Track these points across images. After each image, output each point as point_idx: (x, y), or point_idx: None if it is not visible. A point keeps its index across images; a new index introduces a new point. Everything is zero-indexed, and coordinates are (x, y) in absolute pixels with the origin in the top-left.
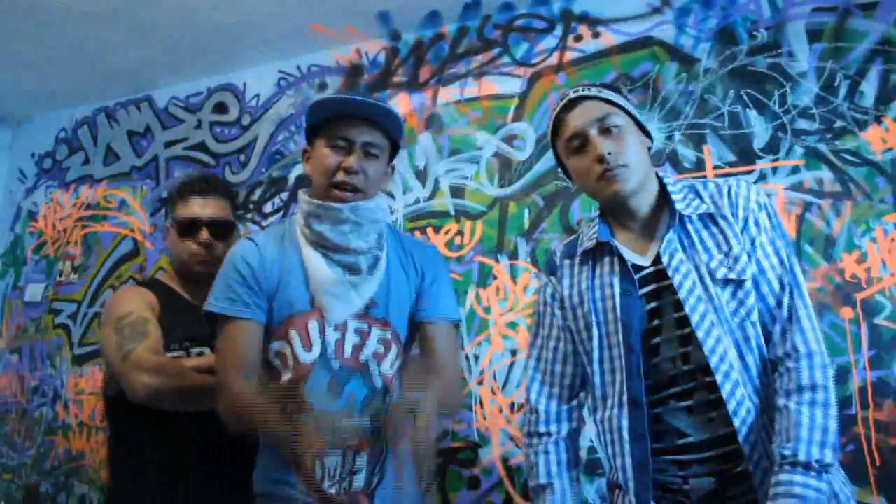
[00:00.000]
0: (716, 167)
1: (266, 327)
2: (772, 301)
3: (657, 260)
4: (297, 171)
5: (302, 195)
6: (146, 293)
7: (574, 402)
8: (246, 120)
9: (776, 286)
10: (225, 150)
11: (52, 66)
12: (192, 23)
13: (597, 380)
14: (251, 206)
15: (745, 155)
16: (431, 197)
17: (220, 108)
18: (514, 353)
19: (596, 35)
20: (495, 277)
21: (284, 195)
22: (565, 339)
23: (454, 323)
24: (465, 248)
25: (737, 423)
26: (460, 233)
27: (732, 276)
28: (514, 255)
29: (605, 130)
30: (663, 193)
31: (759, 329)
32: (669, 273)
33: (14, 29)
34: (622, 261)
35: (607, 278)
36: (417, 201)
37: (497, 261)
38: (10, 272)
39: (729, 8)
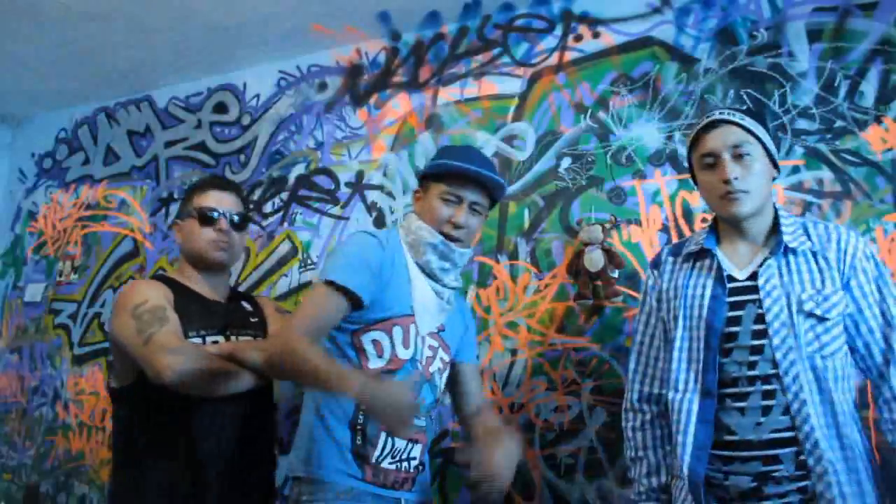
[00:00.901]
0: None
1: (368, 318)
2: (868, 338)
3: (752, 276)
4: (297, 171)
5: (420, 222)
6: (159, 284)
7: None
8: (246, 120)
9: (874, 325)
10: (225, 150)
11: (52, 66)
12: (192, 23)
13: (674, 366)
14: (251, 206)
15: None
16: None
17: (220, 108)
18: (514, 353)
19: (596, 35)
20: (495, 277)
21: (284, 195)
22: (661, 328)
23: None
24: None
25: (800, 434)
26: None
27: (818, 311)
28: (514, 255)
29: (738, 157)
30: (775, 224)
31: (835, 366)
32: (762, 294)
33: (14, 29)
34: (720, 268)
35: (703, 279)
36: None
37: (497, 261)
38: (10, 272)
39: (729, 8)
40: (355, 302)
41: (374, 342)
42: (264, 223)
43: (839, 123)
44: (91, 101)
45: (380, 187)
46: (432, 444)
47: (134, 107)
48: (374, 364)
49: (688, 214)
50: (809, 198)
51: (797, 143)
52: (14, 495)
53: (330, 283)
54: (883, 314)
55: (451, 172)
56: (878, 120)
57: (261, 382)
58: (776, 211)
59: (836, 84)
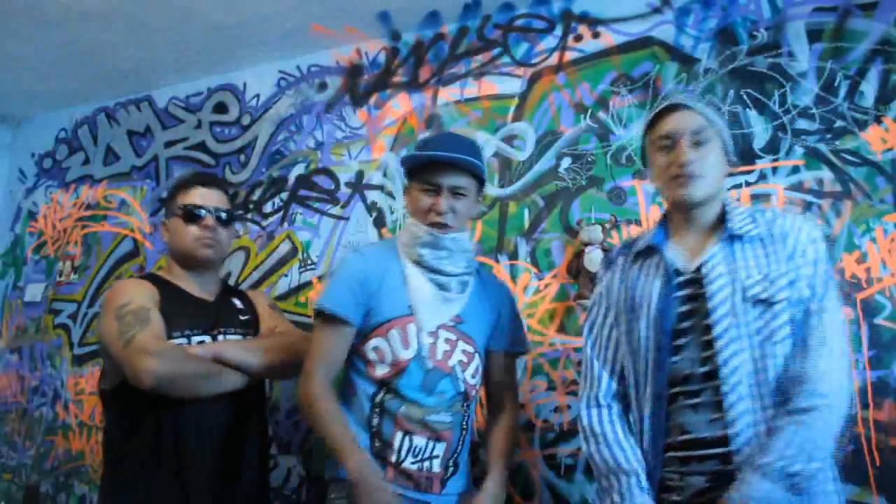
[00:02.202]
0: None
1: (366, 328)
2: (797, 327)
3: (700, 269)
4: (297, 171)
5: (411, 220)
6: (146, 284)
7: (622, 386)
8: (246, 120)
9: (803, 313)
10: (225, 150)
11: (52, 66)
12: (192, 23)
13: (628, 370)
14: (251, 206)
15: (745, 155)
16: None
17: (220, 108)
18: None
19: (596, 35)
20: None
21: (284, 195)
22: (615, 328)
23: (520, 353)
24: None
25: (731, 431)
26: None
27: (763, 296)
28: (514, 255)
29: (696, 143)
30: (723, 215)
31: (783, 352)
32: (705, 283)
33: (14, 29)
34: (667, 265)
35: (651, 278)
36: None
37: (497, 261)
38: (10, 272)
39: (729, 8)
40: (349, 320)
41: (376, 349)
42: (264, 223)
43: (839, 123)
44: (91, 101)
45: (380, 187)
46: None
47: (134, 107)
48: (380, 370)
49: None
50: (809, 198)
51: (797, 143)
52: (14, 495)
53: (321, 314)
54: (811, 287)
55: (423, 163)
56: (878, 120)
57: (248, 382)
58: (725, 203)
59: (836, 84)
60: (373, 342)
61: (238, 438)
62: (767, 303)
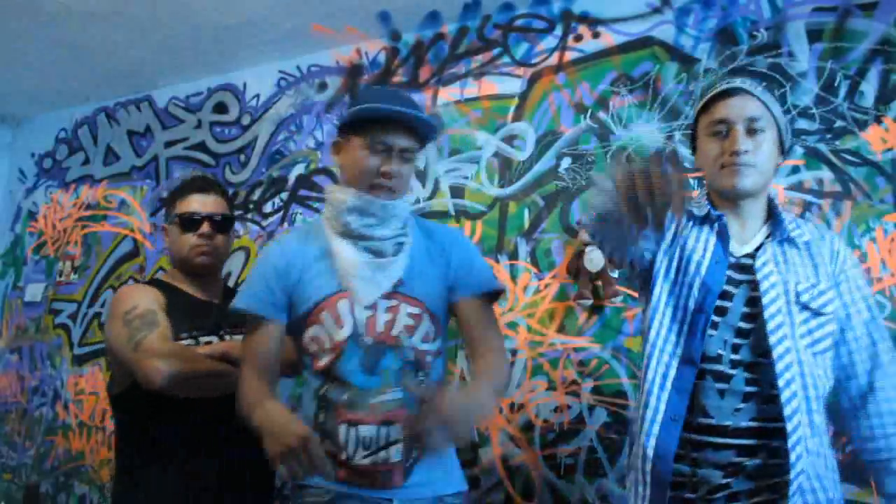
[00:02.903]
0: None
1: (298, 319)
2: (853, 347)
3: (748, 256)
4: (297, 170)
5: (334, 187)
6: (151, 289)
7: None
8: (246, 120)
9: (860, 333)
10: (225, 150)
11: (52, 66)
12: (192, 23)
13: (654, 324)
14: (251, 206)
15: None
16: (431, 197)
17: (220, 108)
18: (514, 353)
19: (596, 35)
20: None
21: (284, 195)
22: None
23: (488, 294)
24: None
25: (788, 426)
26: None
27: (813, 305)
28: (514, 255)
29: (751, 131)
30: (769, 212)
31: (824, 364)
32: (759, 277)
33: (14, 29)
34: (724, 235)
35: (704, 241)
36: (417, 201)
37: (497, 261)
38: (10, 272)
39: (729, 8)
40: (269, 316)
41: (314, 339)
42: (264, 223)
43: (839, 123)
44: (91, 101)
45: None
46: None
47: (134, 107)
48: (323, 360)
49: None
50: (809, 198)
51: (797, 143)
52: (14, 495)
53: (251, 317)
54: (868, 331)
55: (377, 117)
56: (878, 120)
57: None
58: (771, 200)
59: (836, 84)
60: (309, 332)
61: (247, 440)
62: (815, 311)
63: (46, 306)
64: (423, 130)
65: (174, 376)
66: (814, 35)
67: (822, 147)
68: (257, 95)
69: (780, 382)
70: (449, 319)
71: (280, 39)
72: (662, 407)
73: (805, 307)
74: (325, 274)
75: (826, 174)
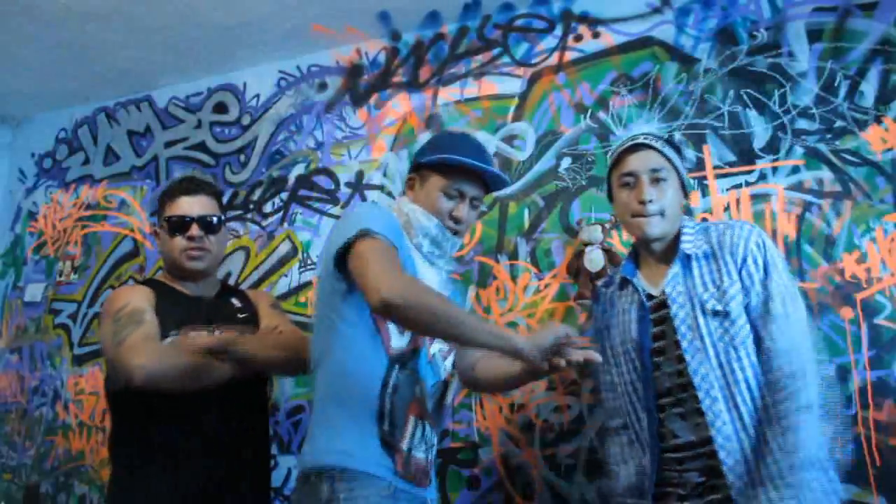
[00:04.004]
0: (716, 167)
1: None
2: (759, 327)
3: (664, 292)
4: (297, 170)
5: (418, 209)
6: (143, 288)
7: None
8: (246, 120)
9: (763, 313)
10: (225, 150)
11: (52, 66)
12: (192, 23)
13: (620, 389)
14: (251, 206)
15: (745, 155)
16: None
17: (220, 108)
18: None
19: (596, 35)
20: (495, 277)
21: (284, 195)
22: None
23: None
24: (465, 248)
25: (712, 431)
26: None
27: (719, 307)
28: (514, 255)
29: (655, 180)
30: (678, 235)
31: (747, 352)
32: (669, 303)
33: (14, 29)
34: (638, 292)
35: (627, 305)
36: None
37: (497, 261)
38: (10, 272)
39: (729, 8)
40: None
41: (400, 330)
42: (264, 223)
43: (839, 123)
44: (91, 101)
45: (380, 187)
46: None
47: (134, 107)
48: (397, 342)
49: (688, 214)
50: (809, 198)
51: (797, 143)
52: (14, 495)
53: (367, 235)
54: (764, 287)
55: (456, 167)
56: (878, 120)
57: (242, 374)
58: (681, 227)
59: (836, 84)
60: None
61: (241, 441)
62: (724, 313)
63: (46, 306)
64: (494, 183)
65: (153, 372)
66: (814, 35)
67: (822, 147)
68: (257, 95)
69: (700, 394)
70: None
71: (280, 39)
72: (648, 456)
73: (715, 313)
74: (412, 269)
75: (826, 174)
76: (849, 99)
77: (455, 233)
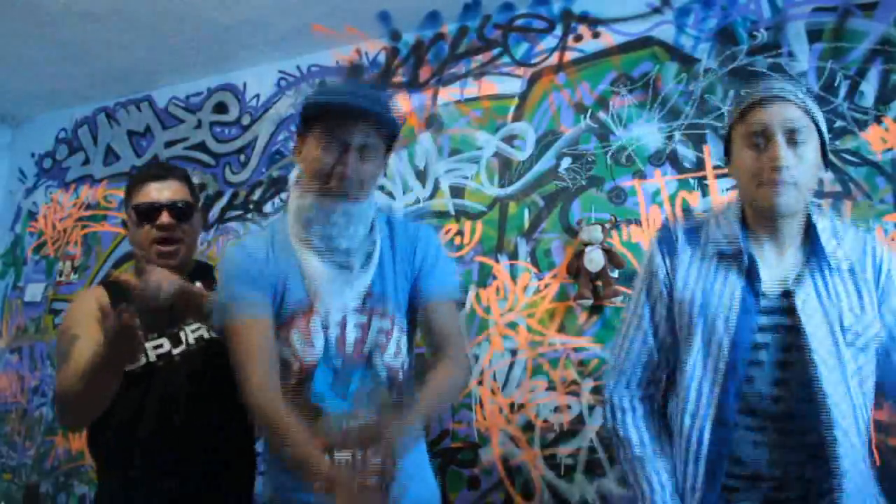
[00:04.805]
0: (716, 167)
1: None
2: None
3: (785, 293)
4: (297, 170)
5: (295, 191)
6: (92, 296)
7: (651, 389)
8: (246, 120)
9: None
10: (225, 150)
11: (52, 66)
12: (192, 23)
13: (687, 383)
14: (251, 206)
15: None
16: (431, 197)
17: (220, 108)
18: (514, 353)
19: (596, 35)
20: (495, 277)
21: (284, 195)
22: (662, 328)
23: (453, 300)
24: (465, 248)
25: (842, 482)
26: (460, 233)
27: (860, 342)
28: (514, 255)
29: (793, 142)
30: (807, 226)
31: (865, 389)
32: (802, 318)
33: (14, 29)
34: (756, 278)
35: (730, 287)
36: (417, 201)
37: (497, 261)
38: (10, 272)
39: (729, 8)
40: (265, 317)
41: (283, 362)
42: (264, 223)
43: (839, 123)
44: (91, 101)
45: (380, 187)
46: (430, 445)
47: (134, 107)
48: (292, 382)
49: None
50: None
51: None
52: (14, 495)
53: (234, 323)
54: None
55: (331, 110)
56: (878, 120)
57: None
58: (809, 218)
59: (836, 84)
60: (282, 352)
61: (216, 446)
62: (863, 347)
63: (46, 306)
64: (385, 127)
65: (72, 423)
66: (814, 35)
67: None
68: (257, 95)
69: (837, 433)
70: (416, 327)
71: (280, 39)
72: (702, 471)
73: (853, 345)
74: (296, 288)
75: (826, 174)
76: (849, 99)
77: (346, 192)
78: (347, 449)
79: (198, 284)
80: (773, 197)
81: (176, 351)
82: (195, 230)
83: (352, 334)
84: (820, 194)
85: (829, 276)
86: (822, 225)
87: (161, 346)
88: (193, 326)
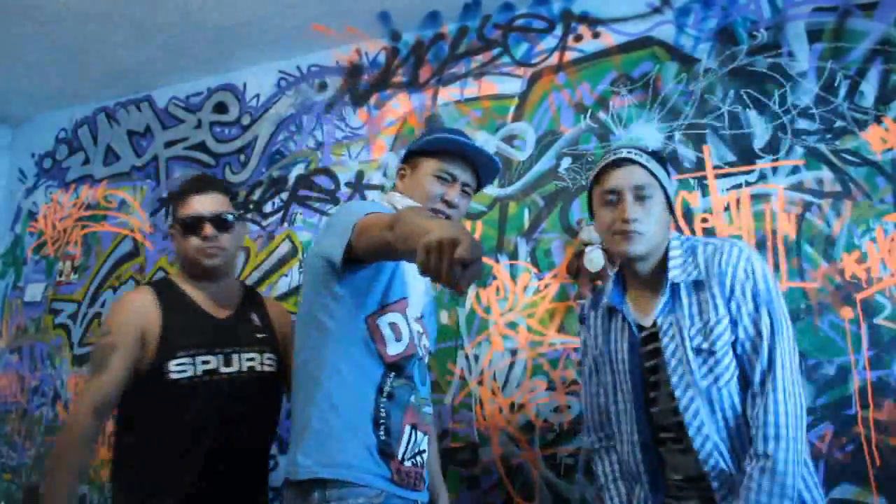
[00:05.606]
0: (716, 167)
1: (380, 294)
2: (747, 367)
3: (655, 323)
4: (297, 170)
5: (401, 198)
6: (145, 299)
7: (607, 429)
8: (246, 120)
9: (750, 353)
10: (225, 150)
11: (52, 66)
12: (192, 23)
13: (613, 419)
14: (251, 206)
15: (745, 155)
16: None
17: (220, 108)
18: (514, 353)
19: (596, 35)
20: (495, 277)
21: (284, 195)
22: (597, 376)
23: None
24: None
25: (706, 468)
26: None
27: (704, 346)
28: (514, 255)
29: (639, 198)
30: (666, 258)
31: (730, 392)
32: (661, 337)
33: (14, 29)
34: (628, 322)
35: (619, 335)
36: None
37: (497, 261)
38: (10, 272)
39: (729, 8)
40: None
41: (392, 325)
42: (264, 223)
43: (839, 123)
44: (91, 101)
45: (380, 187)
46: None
47: (134, 107)
48: (394, 349)
49: (688, 214)
50: (809, 198)
51: (797, 143)
52: (14, 495)
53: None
54: (754, 324)
55: (447, 149)
56: (878, 120)
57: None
58: (667, 250)
59: (836, 84)
60: (389, 317)
61: (244, 440)
62: (707, 351)
63: (46, 306)
64: (487, 170)
65: (80, 419)
66: (814, 35)
67: (822, 147)
68: (257, 95)
69: (691, 431)
70: None
71: (280, 39)
72: (645, 482)
73: (698, 350)
74: (404, 276)
75: (826, 174)
76: (849, 99)
77: (447, 218)
78: (425, 431)
79: (253, 317)
80: (624, 244)
81: (225, 370)
82: (237, 239)
83: (422, 334)
84: (820, 194)
85: (680, 293)
86: (675, 253)
87: (209, 362)
88: (249, 354)
